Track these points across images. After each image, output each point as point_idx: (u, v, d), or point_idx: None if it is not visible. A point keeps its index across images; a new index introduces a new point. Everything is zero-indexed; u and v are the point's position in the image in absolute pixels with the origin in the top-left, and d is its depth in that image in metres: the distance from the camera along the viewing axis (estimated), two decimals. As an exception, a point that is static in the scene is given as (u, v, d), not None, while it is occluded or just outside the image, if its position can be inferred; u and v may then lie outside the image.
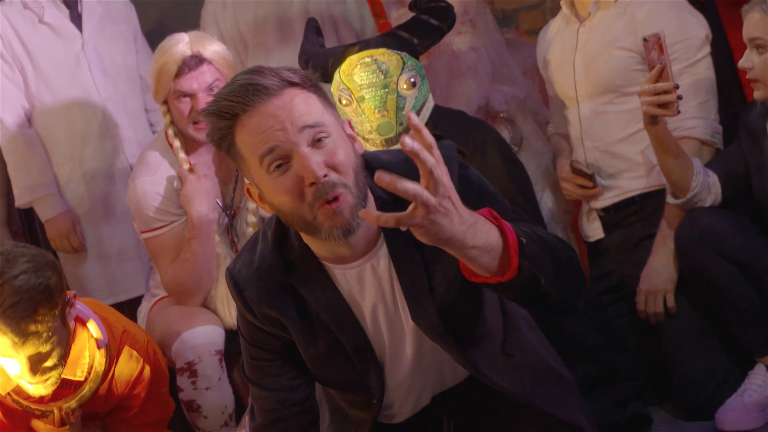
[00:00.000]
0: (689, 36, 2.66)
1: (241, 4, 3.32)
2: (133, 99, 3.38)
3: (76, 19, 3.28)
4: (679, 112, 2.42)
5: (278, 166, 1.63)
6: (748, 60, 2.43)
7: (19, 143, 3.21)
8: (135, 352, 2.46)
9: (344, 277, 1.78)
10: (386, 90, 2.59)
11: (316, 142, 1.63)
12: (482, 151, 2.76)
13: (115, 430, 2.55)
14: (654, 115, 2.44)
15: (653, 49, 2.42)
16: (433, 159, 1.40)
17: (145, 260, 3.22)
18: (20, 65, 3.23)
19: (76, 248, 3.24)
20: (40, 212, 3.25)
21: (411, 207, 1.41)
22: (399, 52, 2.65)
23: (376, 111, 2.59)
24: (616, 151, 2.80)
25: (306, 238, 1.75)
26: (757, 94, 2.44)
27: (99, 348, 2.39)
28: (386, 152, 1.89)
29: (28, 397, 2.37)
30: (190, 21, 3.34)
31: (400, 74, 2.62)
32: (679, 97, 2.39)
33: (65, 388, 2.36)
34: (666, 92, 2.39)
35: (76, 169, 3.26)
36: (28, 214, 3.40)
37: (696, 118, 2.67)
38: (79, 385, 2.38)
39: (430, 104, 2.71)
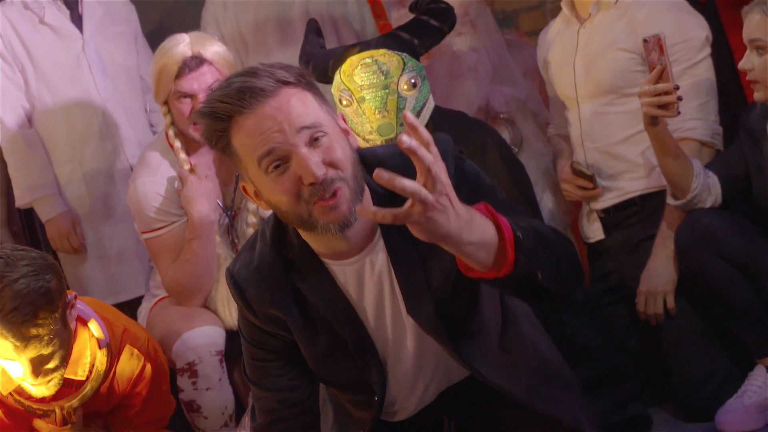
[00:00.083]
0: (689, 37, 2.67)
1: (242, 5, 3.32)
2: (134, 99, 3.38)
3: (77, 19, 3.29)
4: (679, 113, 2.42)
5: (276, 167, 1.63)
6: (749, 61, 2.43)
7: (19, 143, 3.21)
8: (136, 350, 2.46)
9: (344, 273, 1.78)
10: (387, 91, 2.60)
11: (314, 141, 1.63)
12: (482, 152, 2.76)
13: (116, 429, 2.55)
14: (654, 116, 2.44)
15: (653, 50, 2.42)
16: (431, 156, 1.40)
17: (145, 261, 3.22)
18: (21, 65, 3.23)
19: (76, 248, 3.25)
20: (41, 212, 3.25)
21: (408, 204, 1.41)
22: (399, 53, 2.65)
23: (377, 112, 2.59)
24: (617, 152, 2.80)
25: (304, 235, 1.75)
26: (758, 96, 2.44)
27: (100, 347, 2.39)
28: (381, 146, 1.90)
29: (29, 397, 2.38)
30: (190, 21, 3.34)
31: (401, 75, 2.62)
32: (680, 98, 2.39)
33: (67, 387, 2.36)
34: (666, 93, 2.39)
35: (76, 169, 3.26)
36: (29, 214, 3.40)
37: (696, 120, 2.67)
38: (80, 384, 2.39)
39: (431, 105, 2.72)
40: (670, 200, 2.62)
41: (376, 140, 2.59)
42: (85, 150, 3.27)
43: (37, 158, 3.22)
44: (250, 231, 2.83)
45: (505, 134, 3.08)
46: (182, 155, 2.79)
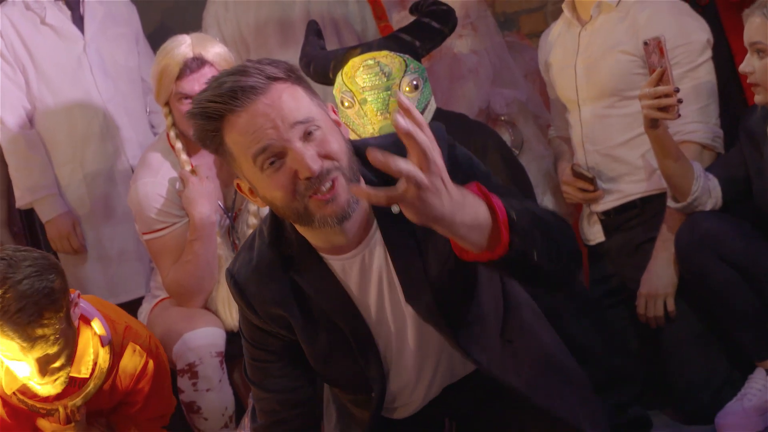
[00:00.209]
0: (691, 40, 2.67)
1: (243, 6, 3.32)
2: (135, 100, 3.38)
3: (78, 20, 3.29)
4: (679, 115, 2.42)
5: (272, 163, 1.63)
6: (749, 64, 2.43)
7: (20, 144, 3.21)
8: (138, 347, 2.46)
9: (343, 267, 1.78)
10: (389, 92, 2.60)
11: (307, 135, 1.63)
12: (483, 154, 2.76)
13: (119, 427, 2.55)
14: (654, 119, 2.45)
15: (654, 52, 2.42)
16: (426, 138, 1.40)
17: (145, 261, 3.22)
18: (22, 66, 3.23)
19: (76, 249, 3.25)
20: (41, 213, 3.25)
21: (402, 185, 1.40)
22: (401, 54, 2.65)
23: (379, 113, 2.59)
24: (617, 155, 2.80)
25: (301, 230, 1.75)
26: (758, 99, 2.45)
27: (103, 345, 2.39)
28: (373, 138, 1.90)
29: (33, 396, 2.38)
30: (191, 22, 3.35)
31: (403, 77, 2.62)
32: (680, 101, 2.40)
33: (70, 385, 2.37)
34: (666, 96, 2.40)
35: (77, 170, 3.27)
36: (29, 215, 3.40)
37: (697, 123, 2.67)
38: (83, 382, 2.39)
39: (432, 107, 2.72)
40: (670, 203, 2.62)
41: (378, 142, 2.59)
42: (85, 151, 3.27)
43: (37, 159, 3.22)
44: (251, 232, 2.83)
45: (506, 136, 3.08)
46: (183, 156, 2.79)
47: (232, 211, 2.86)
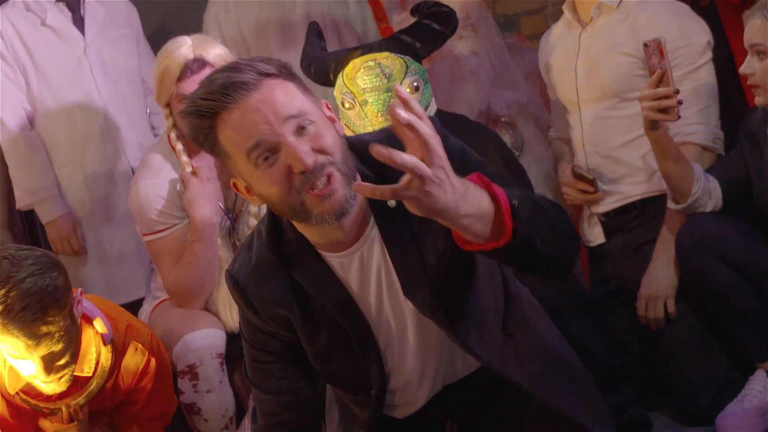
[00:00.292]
0: (691, 42, 2.67)
1: (244, 8, 3.32)
2: (135, 102, 3.38)
3: (79, 22, 3.29)
4: (679, 117, 2.42)
5: (265, 159, 1.63)
6: (749, 66, 2.43)
7: (20, 145, 3.21)
8: (140, 346, 2.46)
9: (342, 264, 1.78)
10: (389, 94, 2.60)
11: (301, 130, 1.63)
12: (484, 155, 2.74)
13: (121, 426, 2.55)
14: (654, 120, 2.45)
15: (654, 54, 2.43)
16: (428, 129, 1.40)
17: (145, 263, 3.22)
18: (22, 67, 3.23)
19: (76, 251, 3.25)
20: (41, 214, 3.25)
21: (405, 179, 1.40)
22: (402, 55, 2.65)
23: (379, 114, 2.59)
24: (617, 156, 2.80)
25: (299, 227, 1.75)
26: (758, 100, 2.45)
27: (105, 344, 2.40)
28: (368, 133, 1.90)
29: (36, 396, 2.38)
30: (191, 24, 3.35)
31: (404, 78, 2.62)
32: (680, 102, 2.40)
33: (73, 385, 2.37)
34: (666, 97, 2.40)
35: (77, 171, 3.27)
36: (29, 216, 3.40)
37: (697, 124, 2.67)
38: (86, 381, 2.39)
39: (433, 108, 2.72)
40: (670, 204, 2.62)
41: (378, 143, 2.59)
42: (86, 152, 3.27)
43: (38, 160, 3.22)
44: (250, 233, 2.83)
45: (507, 138, 3.08)
46: (184, 158, 2.79)
47: (232, 213, 2.86)
